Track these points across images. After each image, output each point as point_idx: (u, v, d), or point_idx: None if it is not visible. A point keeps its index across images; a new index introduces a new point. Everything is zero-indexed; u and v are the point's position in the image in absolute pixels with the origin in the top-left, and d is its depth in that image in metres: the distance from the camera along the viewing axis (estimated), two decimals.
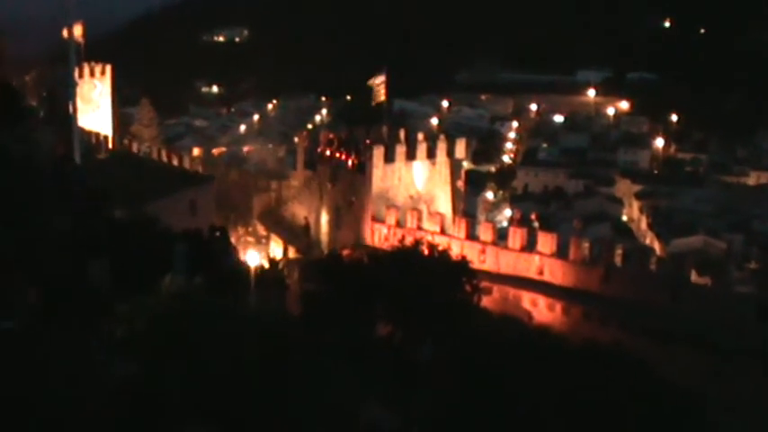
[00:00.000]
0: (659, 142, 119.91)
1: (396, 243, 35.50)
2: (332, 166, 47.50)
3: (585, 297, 36.62)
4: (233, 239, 36.45)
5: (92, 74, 71.22)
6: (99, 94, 71.80)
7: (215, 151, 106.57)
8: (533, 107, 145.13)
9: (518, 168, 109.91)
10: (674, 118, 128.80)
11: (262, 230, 52.42)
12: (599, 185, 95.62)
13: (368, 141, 47.43)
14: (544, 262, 38.57)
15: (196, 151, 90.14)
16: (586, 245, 38.41)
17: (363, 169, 45.71)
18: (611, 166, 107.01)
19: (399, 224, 43.71)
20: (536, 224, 70.61)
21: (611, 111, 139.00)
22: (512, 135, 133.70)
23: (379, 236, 44.30)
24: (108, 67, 72.83)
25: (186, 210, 43.92)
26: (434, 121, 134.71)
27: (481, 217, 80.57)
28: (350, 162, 46.84)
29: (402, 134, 50.08)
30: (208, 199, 47.66)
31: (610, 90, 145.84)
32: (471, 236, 41.47)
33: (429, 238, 36.91)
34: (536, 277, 38.58)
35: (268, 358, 13.17)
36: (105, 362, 11.41)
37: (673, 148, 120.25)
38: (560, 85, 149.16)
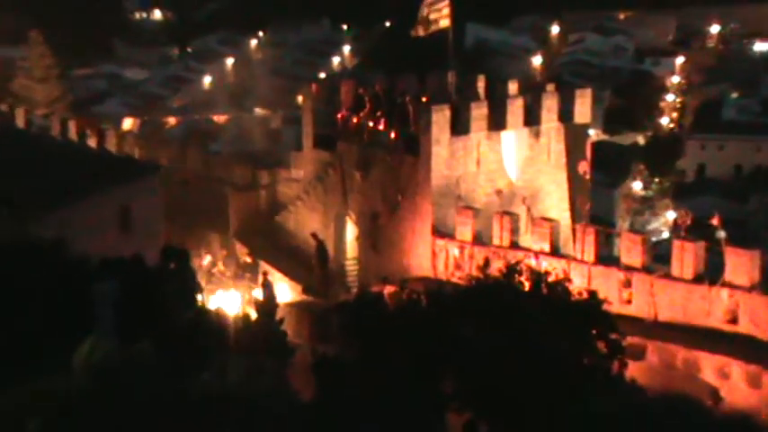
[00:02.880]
0: None
1: (474, 272, 35.62)
2: (362, 142, 47.78)
3: None
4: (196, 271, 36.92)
5: None
6: None
7: (165, 122, 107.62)
8: (713, 29, 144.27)
9: (687, 138, 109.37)
10: None
11: (244, 255, 52.91)
12: None
13: (423, 99, 47.58)
14: (738, 300, 38.37)
15: (128, 122, 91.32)
16: None
17: (416, 147, 45.92)
18: None
19: (480, 239, 43.86)
20: (721, 234, 70.06)
21: None
22: (675, 79, 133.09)
23: (446, 260, 44.48)
24: None
25: (114, 223, 44.46)
26: (537, 60, 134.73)
27: (623, 224, 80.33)
28: (392, 135, 47.06)
29: (481, 85, 50.20)
30: (151, 203, 48.10)
31: None
32: (606, 257, 41.45)
33: (532, 262, 36.94)
34: (724, 327, 38.42)
35: None
36: None
37: None
38: None
